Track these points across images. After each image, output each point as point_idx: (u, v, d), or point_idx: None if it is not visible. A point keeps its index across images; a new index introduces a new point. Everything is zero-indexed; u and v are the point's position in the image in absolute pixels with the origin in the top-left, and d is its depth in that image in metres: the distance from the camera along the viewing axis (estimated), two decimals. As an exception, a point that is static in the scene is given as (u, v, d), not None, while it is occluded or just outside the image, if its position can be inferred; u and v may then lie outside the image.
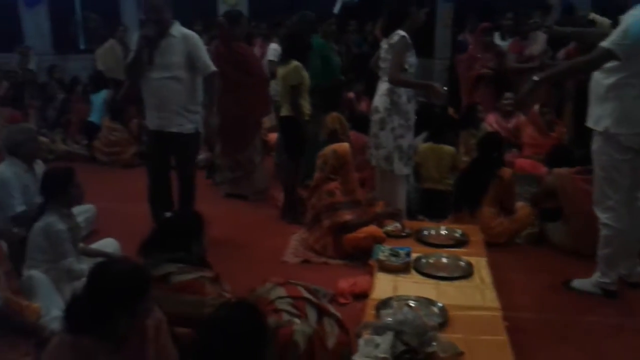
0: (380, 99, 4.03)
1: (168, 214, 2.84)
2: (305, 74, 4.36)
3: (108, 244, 3.62)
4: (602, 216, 3.19)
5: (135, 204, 4.45)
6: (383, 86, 4.03)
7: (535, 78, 3.13)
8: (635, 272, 3.41)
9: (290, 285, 2.71)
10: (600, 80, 3.09)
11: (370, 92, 7.39)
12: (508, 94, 5.62)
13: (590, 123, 3.19)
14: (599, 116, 3.10)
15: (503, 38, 6.03)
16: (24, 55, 9.37)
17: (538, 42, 5.85)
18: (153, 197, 4.12)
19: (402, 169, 4.06)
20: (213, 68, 3.87)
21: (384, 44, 4.03)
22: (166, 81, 3.76)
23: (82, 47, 10.58)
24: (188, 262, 2.50)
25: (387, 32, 4.01)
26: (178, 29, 3.80)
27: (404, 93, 3.97)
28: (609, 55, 2.90)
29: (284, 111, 4.51)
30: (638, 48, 2.88)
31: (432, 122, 4.77)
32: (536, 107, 5.39)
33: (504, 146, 4.37)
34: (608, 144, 3.07)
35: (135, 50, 3.80)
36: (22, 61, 9.20)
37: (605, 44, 2.90)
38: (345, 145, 4.04)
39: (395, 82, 3.92)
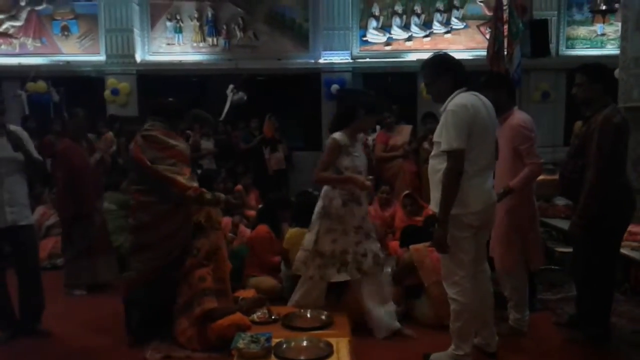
0: (318, 202, 4.00)
1: None
2: None
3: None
4: (450, 291, 3.30)
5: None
6: (324, 188, 4.00)
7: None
8: (494, 342, 3.54)
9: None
10: (436, 166, 3.26)
11: (258, 184, 7.69)
12: (385, 187, 5.94)
13: (433, 207, 3.33)
14: (439, 199, 3.21)
15: (365, 132, 6.47)
16: None
17: (402, 134, 6.33)
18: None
19: None
20: (37, 155, 4.04)
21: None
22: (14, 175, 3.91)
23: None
24: None
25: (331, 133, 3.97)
26: (13, 127, 3.97)
27: (338, 196, 3.88)
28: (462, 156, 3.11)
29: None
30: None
31: (298, 207, 4.90)
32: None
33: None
34: (450, 224, 3.20)
35: None
36: None
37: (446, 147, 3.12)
38: (218, 233, 4.01)
39: (317, 181, 3.93)
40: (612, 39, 10.40)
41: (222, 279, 3.88)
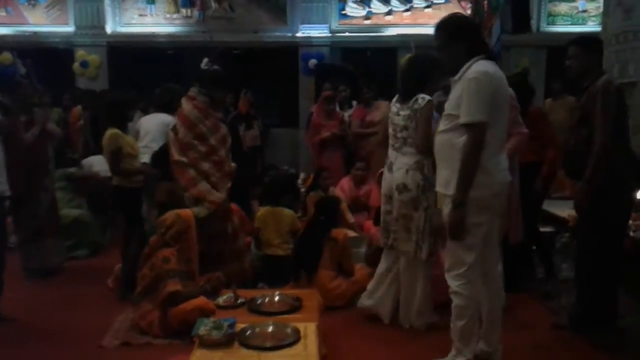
0: (408, 175, 3.54)
1: None
2: (126, 140, 4.21)
3: None
4: (454, 284, 2.93)
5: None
6: (406, 159, 3.57)
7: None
8: (499, 352, 3.14)
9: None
10: (450, 140, 2.87)
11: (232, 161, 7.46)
12: (360, 164, 5.77)
13: (440, 187, 2.98)
14: (448, 179, 2.87)
15: (341, 107, 6.27)
16: None
17: (380, 110, 6.12)
18: None
19: None
20: None
21: (403, 110, 3.59)
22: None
23: None
24: None
25: (406, 97, 3.59)
26: None
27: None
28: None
29: (114, 180, 4.28)
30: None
31: (269, 185, 4.74)
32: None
33: (335, 210, 4.36)
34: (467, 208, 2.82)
35: None
36: None
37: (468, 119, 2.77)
38: (188, 211, 3.82)
39: (424, 152, 3.48)
40: (594, 16, 10.27)
41: (190, 260, 3.68)
